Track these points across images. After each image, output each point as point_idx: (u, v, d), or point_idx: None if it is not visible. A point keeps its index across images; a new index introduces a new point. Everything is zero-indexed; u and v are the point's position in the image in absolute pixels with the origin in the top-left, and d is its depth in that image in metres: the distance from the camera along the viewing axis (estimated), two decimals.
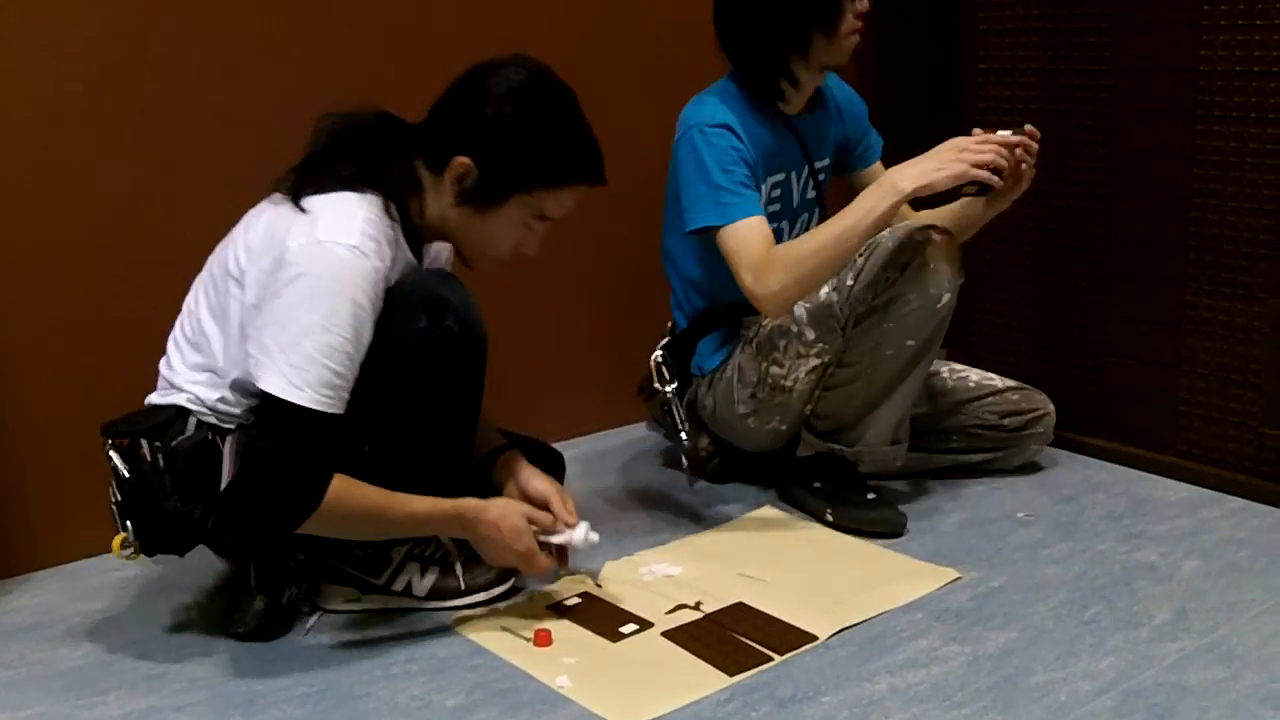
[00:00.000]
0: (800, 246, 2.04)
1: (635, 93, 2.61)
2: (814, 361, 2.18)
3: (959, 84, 2.70)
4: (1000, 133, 2.01)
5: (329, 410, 1.66)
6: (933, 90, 2.84)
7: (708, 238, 2.15)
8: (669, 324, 2.42)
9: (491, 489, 1.95)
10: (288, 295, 1.66)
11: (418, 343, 1.75)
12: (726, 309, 2.31)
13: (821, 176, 2.36)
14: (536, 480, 1.94)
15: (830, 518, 2.22)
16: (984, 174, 1.97)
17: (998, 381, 2.46)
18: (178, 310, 1.88)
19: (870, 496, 2.25)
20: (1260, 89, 2.22)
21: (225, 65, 2.20)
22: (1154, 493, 2.37)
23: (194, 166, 2.18)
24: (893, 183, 1.97)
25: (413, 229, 1.84)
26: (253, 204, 1.84)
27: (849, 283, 2.13)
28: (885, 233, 2.11)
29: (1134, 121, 2.41)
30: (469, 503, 1.81)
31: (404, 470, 1.78)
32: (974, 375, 2.46)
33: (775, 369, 2.22)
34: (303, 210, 1.73)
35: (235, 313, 1.76)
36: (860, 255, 2.12)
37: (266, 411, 1.66)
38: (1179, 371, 2.41)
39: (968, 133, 2.03)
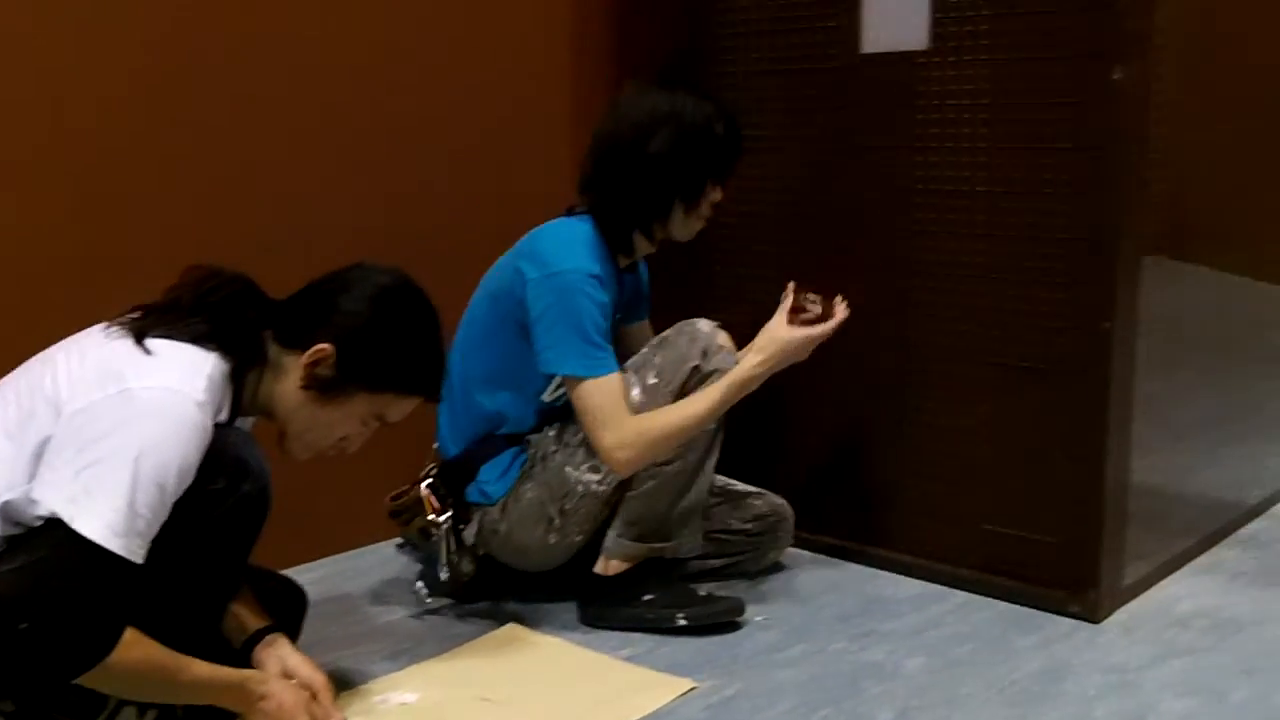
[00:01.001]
0: (662, 422, 2.17)
1: None
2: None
3: None
4: (828, 323, 2.24)
5: (136, 561, 1.59)
6: None
7: (513, 370, 2.23)
8: (433, 447, 2.40)
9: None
10: (120, 438, 1.59)
11: (212, 502, 1.71)
12: (507, 436, 2.32)
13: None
14: (305, 669, 1.89)
15: (684, 621, 2.25)
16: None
17: (740, 487, 2.54)
18: None
19: (703, 593, 2.32)
20: (968, 206, 2.38)
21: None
22: (885, 590, 2.46)
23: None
24: (749, 374, 2.18)
25: (240, 400, 1.82)
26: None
27: (651, 380, 2.22)
28: (673, 331, 2.27)
29: (854, 237, 2.54)
30: (252, 675, 1.78)
31: (162, 625, 1.71)
32: (718, 481, 2.51)
33: (591, 475, 2.25)
34: (147, 352, 1.69)
35: (36, 437, 1.64)
36: (652, 350, 2.25)
37: (69, 551, 1.56)
38: (905, 471, 2.53)
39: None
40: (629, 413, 2.17)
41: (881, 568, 2.57)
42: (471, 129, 2.78)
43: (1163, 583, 2.51)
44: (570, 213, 2.33)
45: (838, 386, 2.58)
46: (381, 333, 1.84)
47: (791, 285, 2.26)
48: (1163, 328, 2.44)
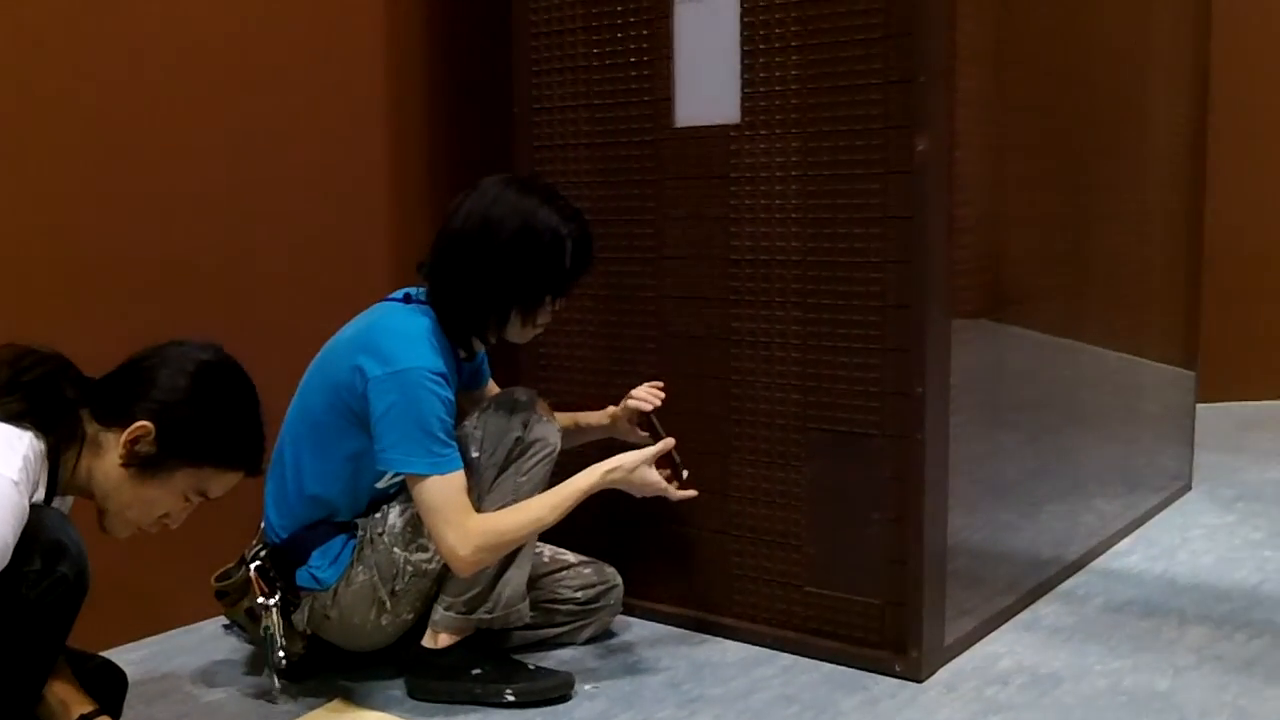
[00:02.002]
0: (506, 521, 2.19)
1: None
2: None
3: None
4: (678, 493, 2.31)
5: None
6: None
7: (350, 465, 2.22)
8: (259, 526, 2.37)
9: None
10: None
11: (29, 584, 1.69)
12: (339, 523, 2.31)
13: None
14: None
15: (512, 697, 2.24)
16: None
17: (569, 556, 2.56)
18: None
19: (532, 667, 2.31)
20: (783, 275, 2.44)
21: None
22: (713, 655, 2.49)
23: None
24: (598, 483, 2.23)
25: (57, 479, 1.80)
26: None
27: (474, 454, 2.24)
28: (493, 402, 2.30)
29: (674, 307, 2.59)
30: None
31: None
32: (547, 550, 2.54)
33: (420, 554, 2.24)
34: None
35: None
36: (473, 424, 2.25)
37: None
38: (729, 536, 2.56)
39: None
40: (471, 511, 2.18)
41: (709, 632, 2.60)
42: (293, 216, 2.80)
43: (984, 640, 2.56)
44: (409, 299, 2.31)
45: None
46: (201, 408, 1.86)
47: (672, 442, 2.32)
48: (980, 389, 2.50)
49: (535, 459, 2.30)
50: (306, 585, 2.29)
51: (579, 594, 2.52)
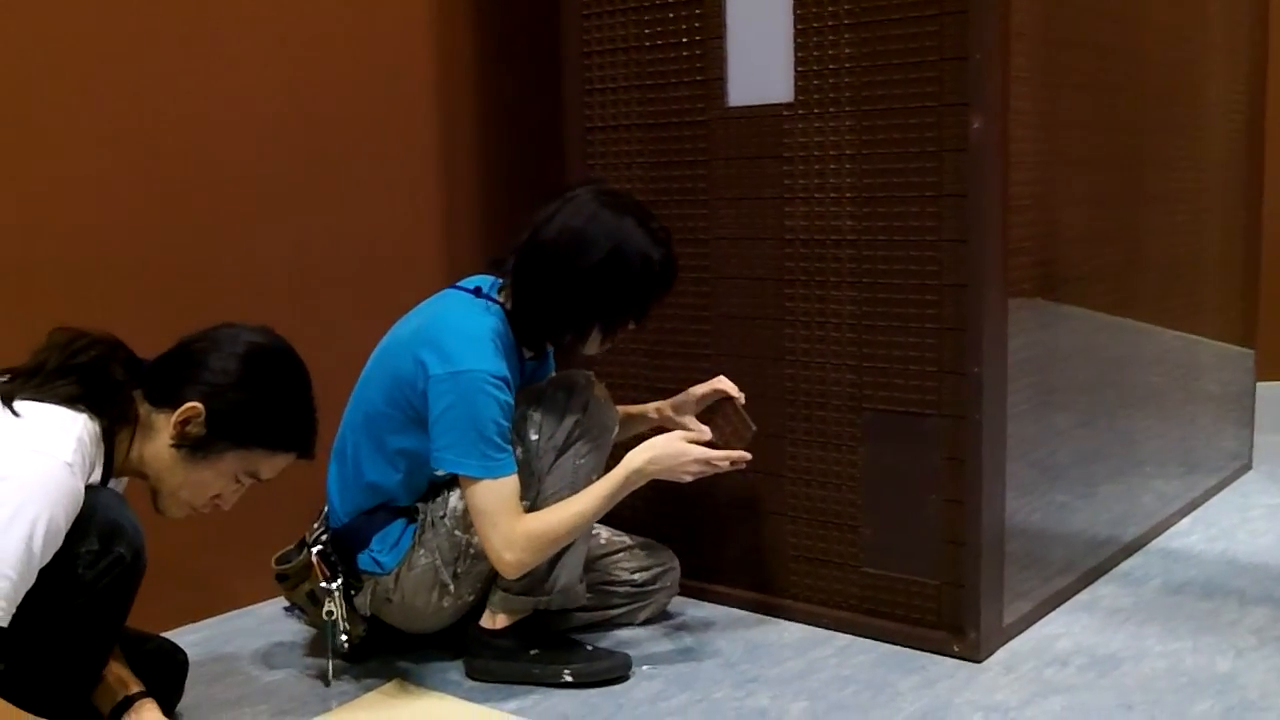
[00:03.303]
0: (552, 521, 2.19)
1: None
2: None
3: None
4: (738, 454, 2.27)
5: (1, 625, 1.60)
6: None
7: (409, 456, 2.24)
8: (322, 510, 2.40)
9: None
10: None
11: (85, 565, 1.73)
12: (399, 509, 2.32)
13: None
14: None
15: (570, 677, 2.26)
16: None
17: (626, 538, 2.57)
18: None
19: (589, 648, 2.33)
20: (837, 255, 2.45)
21: None
22: (769, 637, 2.50)
23: None
24: (638, 468, 2.20)
25: (112, 460, 1.83)
26: None
27: (533, 437, 2.24)
28: (550, 385, 2.30)
29: (727, 288, 2.60)
30: None
31: (33, 691, 1.71)
32: (604, 533, 2.56)
33: (478, 538, 2.24)
34: (15, 415, 1.71)
35: None
36: (530, 407, 2.25)
37: None
38: (785, 518, 2.57)
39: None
40: (520, 513, 2.19)
41: (765, 613, 2.60)
42: (349, 207, 2.83)
43: (1042, 621, 2.55)
44: (479, 292, 2.31)
45: None
46: (251, 390, 1.87)
47: (708, 433, 2.30)
48: (1036, 369, 2.50)
49: (593, 442, 2.31)
50: (368, 569, 2.31)
51: (636, 575, 2.54)
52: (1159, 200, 3.02)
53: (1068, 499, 2.69)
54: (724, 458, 2.26)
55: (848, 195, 2.42)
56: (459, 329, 2.22)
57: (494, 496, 2.16)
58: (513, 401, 2.21)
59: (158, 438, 1.87)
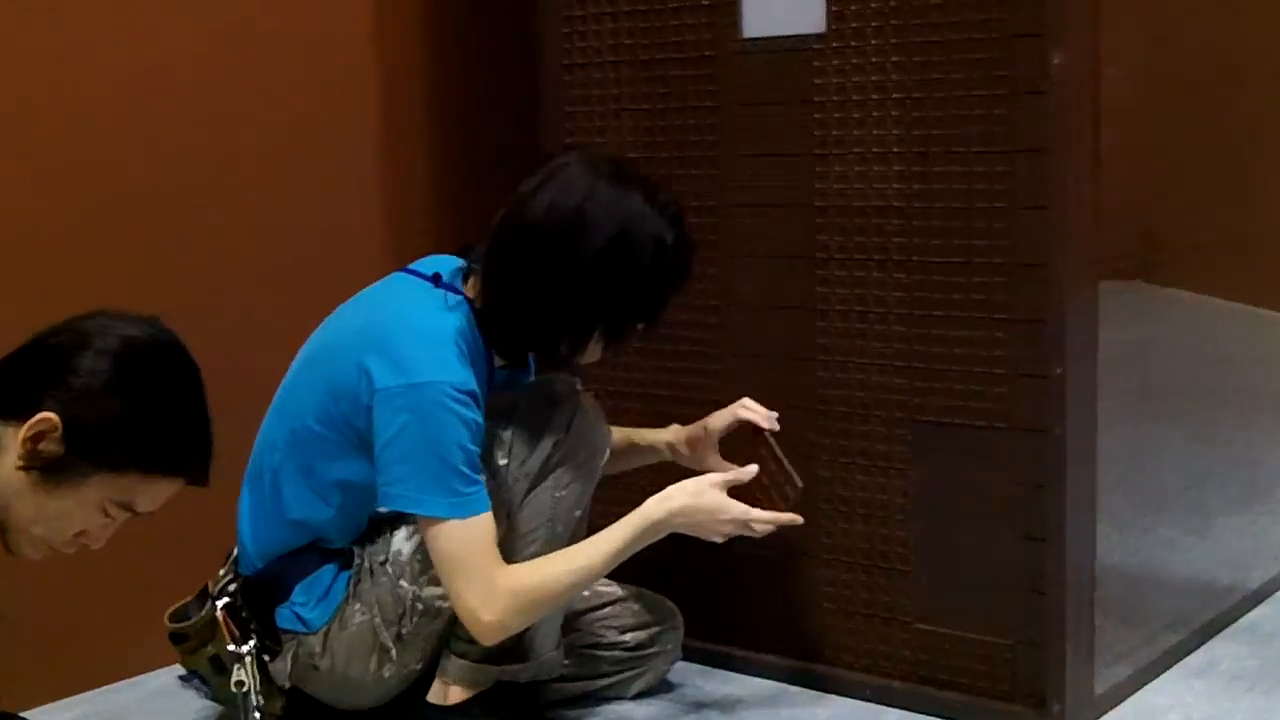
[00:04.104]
0: (545, 576, 2.19)
1: None
2: None
3: None
4: (784, 516, 2.26)
5: None
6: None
7: (349, 486, 2.23)
8: (231, 552, 2.39)
9: None
10: None
11: None
12: (330, 550, 2.32)
13: None
14: None
15: None
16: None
17: (616, 588, 2.56)
18: None
19: None
20: (881, 227, 2.44)
21: None
22: (798, 713, 2.49)
23: None
24: (661, 520, 2.21)
25: None
26: None
27: (501, 461, 2.25)
28: (528, 393, 2.32)
29: (742, 269, 2.60)
30: None
31: None
32: None
33: (433, 589, 2.24)
34: None
35: None
36: (499, 424, 2.25)
37: None
38: (816, 560, 2.56)
39: None
40: (500, 562, 2.17)
41: (792, 682, 2.60)
42: (263, 174, 2.86)
43: (1145, 689, 2.55)
44: (439, 280, 2.30)
45: None
46: (124, 396, 1.82)
47: (754, 469, 2.29)
48: (1134, 369, 2.49)
49: (578, 470, 2.31)
50: (289, 627, 2.29)
51: (628, 637, 2.53)
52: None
53: (1177, 534, 2.69)
54: (769, 521, 2.26)
55: (894, 151, 2.41)
56: (414, 328, 2.21)
57: (465, 541, 2.15)
58: (482, 422, 2.19)
59: (4, 457, 1.82)
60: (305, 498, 2.29)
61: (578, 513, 2.29)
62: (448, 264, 2.34)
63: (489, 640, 2.20)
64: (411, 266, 2.36)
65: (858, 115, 2.45)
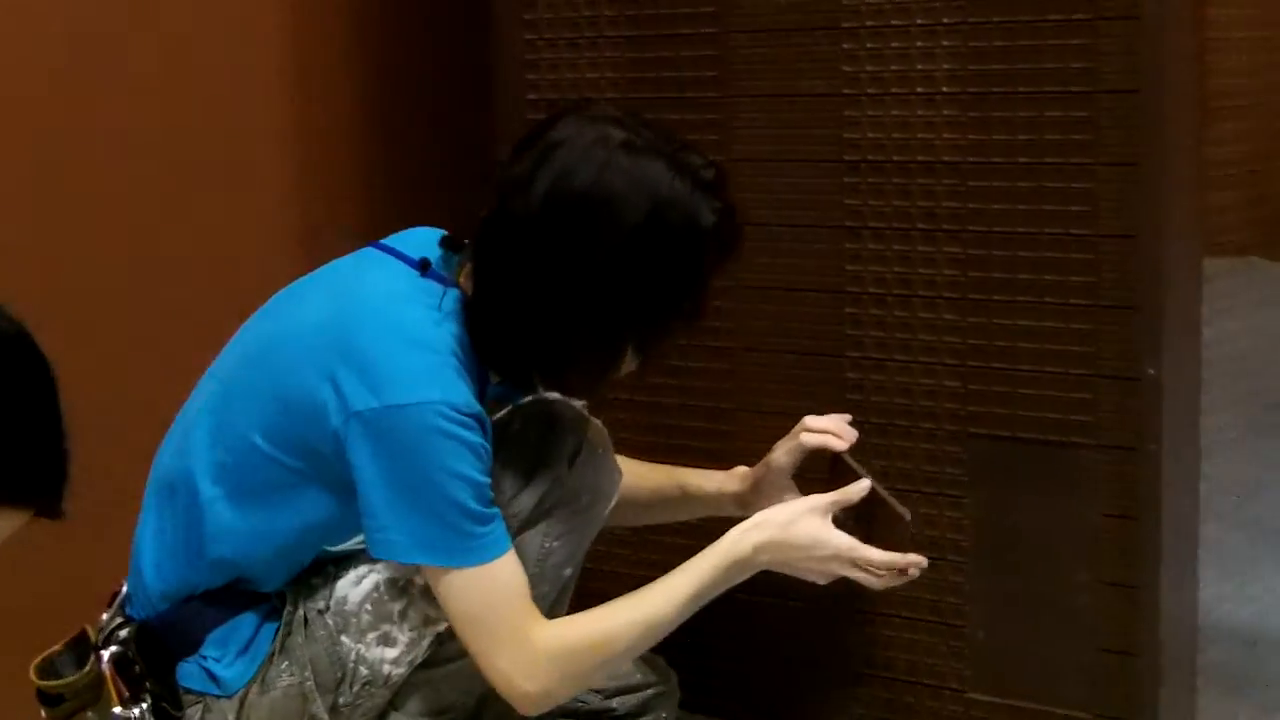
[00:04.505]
0: (597, 632, 2.12)
1: None
2: (441, 622, 2.13)
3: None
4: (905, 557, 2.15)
5: None
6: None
7: (298, 523, 2.14)
8: (119, 590, 2.30)
9: None
10: None
11: None
12: (254, 593, 2.24)
13: None
14: None
15: None
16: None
17: None
18: None
19: None
20: (929, 188, 2.37)
21: None
22: None
23: None
24: (745, 559, 2.12)
25: None
26: None
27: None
28: (521, 415, 2.22)
29: (756, 242, 2.47)
30: None
31: None
32: None
33: (382, 650, 2.16)
34: None
35: None
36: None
37: None
38: (847, 612, 2.49)
39: None
40: (535, 616, 2.09)
41: None
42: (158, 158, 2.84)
43: None
44: (426, 267, 2.19)
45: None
46: None
47: (868, 483, 2.22)
48: (1251, 371, 2.47)
49: (576, 518, 2.23)
50: (196, 687, 2.18)
51: (615, 703, 2.45)
52: None
53: None
54: (888, 564, 2.16)
55: (944, 91, 2.35)
56: (399, 331, 2.09)
57: (486, 592, 2.06)
58: (490, 446, 2.11)
59: None
60: (238, 532, 2.19)
61: (568, 571, 2.22)
62: (435, 249, 2.24)
63: (530, 712, 2.13)
64: (387, 243, 2.26)
65: (898, 44, 2.40)
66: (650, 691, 2.46)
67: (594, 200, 2.06)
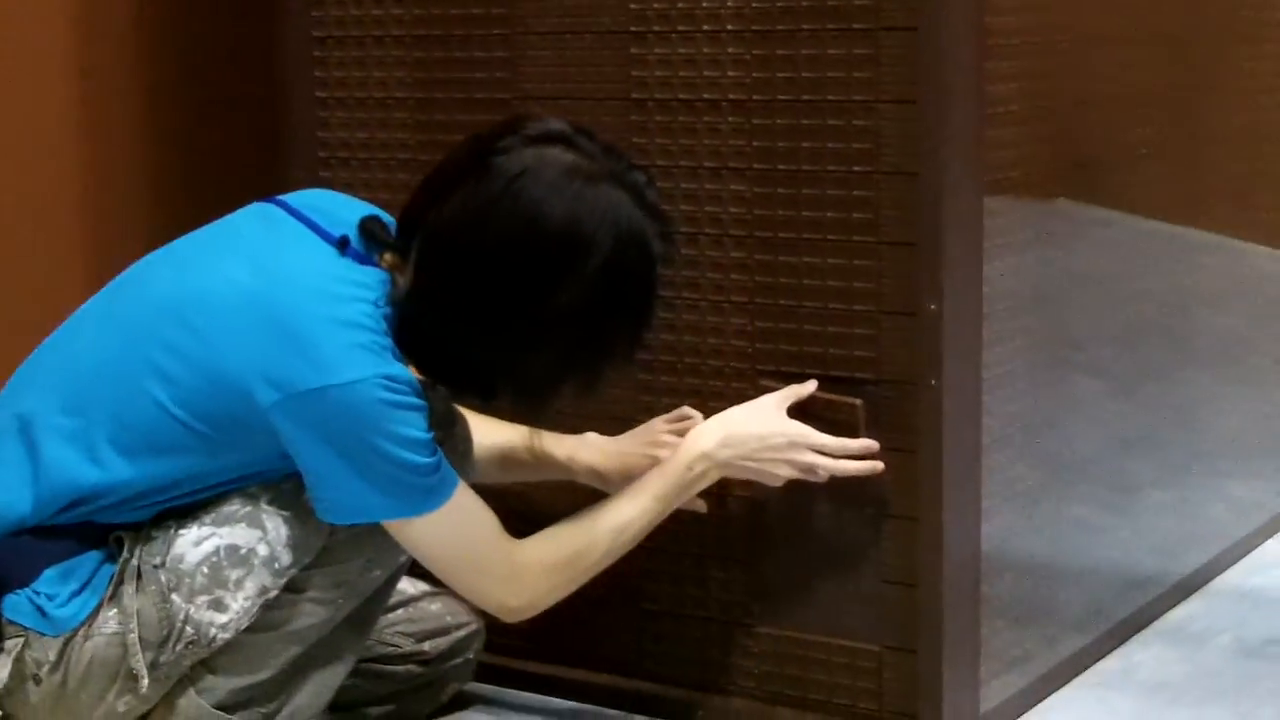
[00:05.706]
0: (574, 545, 2.24)
1: None
2: (273, 591, 2.14)
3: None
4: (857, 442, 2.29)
5: None
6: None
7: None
8: None
9: None
10: None
11: None
12: (105, 526, 2.20)
13: None
14: None
15: None
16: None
17: (408, 585, 2.50)
18: None
19: None
20: (715, 125, 2.36)
21: None
22: None
23: None
24: (705, 453, 2.27)
25: None
26: None
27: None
28: None
29: None
30: None
31: None
32: None
33: (212, 614, 2.13)
34: None
35: None
36: None
37: None
38: (632, 550, 2.40)
39: None
40: (507, 537, 2.18)
41: (604, 703, 2.58)
42: None
43: (1044, 703, 2.56)
44: (346, 245, 2.19)
45: None
46: None
47: (814, 385, 2.32)
48: (1034, 307, 2.49)
49: None
50: (20, 620, 2.14)
51: (427, 645, 2.50)
52: (1246, 41, 3.06)
53: (1088, 511, 2.69)
54: (843, 448, 2.28)
55: (729, 28, 2.36)
56: (333, 311, 2.10)
57: (454, 527, 2.14)
58: (426, 406, 2.14)
59: None
60: (113, 477, 2.16)
61: (377, 572, 2.25)
62: (342, 211, 2.25)
63: (514, 619, 2.26)
64: (294, 207, 2.25)
65: None
66: (461, 633, 2.52)
67: (565, 238, 2.08)
